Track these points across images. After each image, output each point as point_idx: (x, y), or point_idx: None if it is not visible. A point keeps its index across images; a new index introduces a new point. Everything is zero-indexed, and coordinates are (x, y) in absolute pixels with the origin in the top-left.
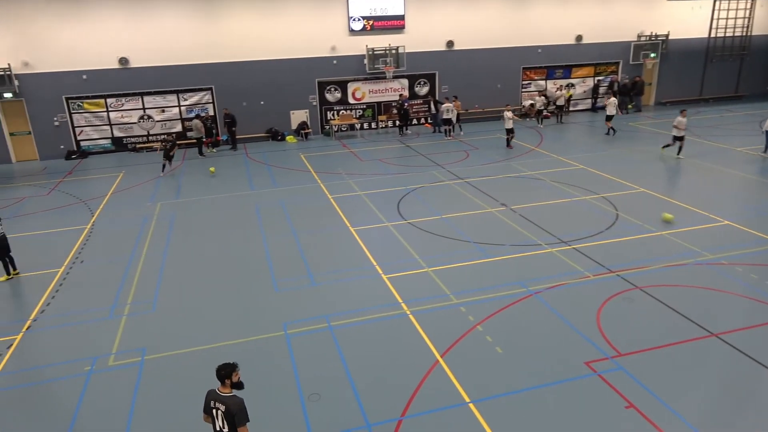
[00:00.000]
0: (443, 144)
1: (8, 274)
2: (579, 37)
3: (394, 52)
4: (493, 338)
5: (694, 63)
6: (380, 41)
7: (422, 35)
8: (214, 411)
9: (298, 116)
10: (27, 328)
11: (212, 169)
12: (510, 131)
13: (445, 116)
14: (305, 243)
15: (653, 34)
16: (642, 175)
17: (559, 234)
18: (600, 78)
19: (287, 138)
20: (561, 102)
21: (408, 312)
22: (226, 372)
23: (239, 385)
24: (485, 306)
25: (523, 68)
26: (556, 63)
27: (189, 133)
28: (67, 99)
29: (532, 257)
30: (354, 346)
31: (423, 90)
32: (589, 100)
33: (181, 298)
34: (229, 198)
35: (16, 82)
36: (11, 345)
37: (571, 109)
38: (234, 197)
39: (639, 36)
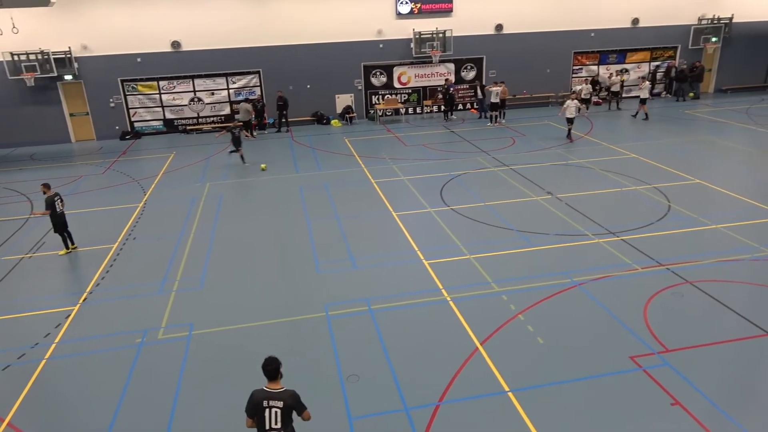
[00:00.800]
0: (489, 130)
1: (67, 248)
2: (635, 20)
3: (441, 35)
4: (535, 328)
5: (760, 48)
6: (427, 25)
7: (470, 18)
8: (267, 411)
9: (343, 100)
10: (83, 300)
11: (263, 166)
12: (570, 121)
13: (492, 99)
14: (347, 226)
15: (716, 17)
16: (698, 165)
17: (606, 224)
18: (657, 63)
19: (332, 122)
20: (616, 88)
21: (448, 298)
22: (276, 366)
23: (281, 376)
24: (527, 295)
25: (575, 53)
26: (609, 47)
27: (236, 116)
28: (123, 81)
29: (577, 247)
30: (394, 330)
31: (470, 75)
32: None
33: (227, 276)
34: (275, 180)
35: (75, 65)
36: (69, 315)
37: (624, 95)
38: (279, 179)
39: (700, 19)
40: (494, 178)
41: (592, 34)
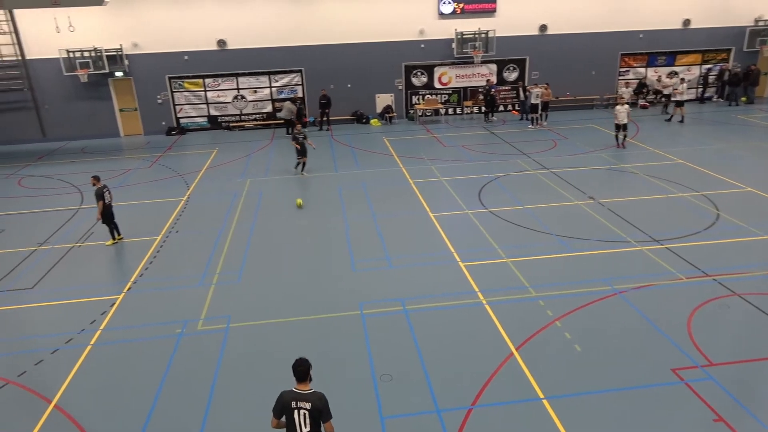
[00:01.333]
0: (530, 132)
1: (113, 238)
2: (686, 21)
3: (483, 36)
4: (573, 335)
5: None
6: (470, 25)
7: (514, 19)
8: (296, 412)
9: (383, 100)
10: (128, 289)
11: (299, 201)
12: (622, 127)
13: (533, 101)
14: (384, 226)
15: None
16: (750, 173)
17: (650, 232)
18: (708, 66)
19: (372, 121)
20: (669, 91)
21: (484, 301)
22: (306, 367)
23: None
24: (565, 301)
25: (622, 54)
26: (658, 49)
27: (278, 114)
28: (170, 78)
29: (619, 254)
30: (428, 331)
31: (512, 76)
32: (696, 90)
33: (264, 271)
34: (313, 178)
35: (126, 62)
36: (114, 303)
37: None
38: (318, 177)
39: (756, 21)
40: (534, 181)
41: (641, 36)
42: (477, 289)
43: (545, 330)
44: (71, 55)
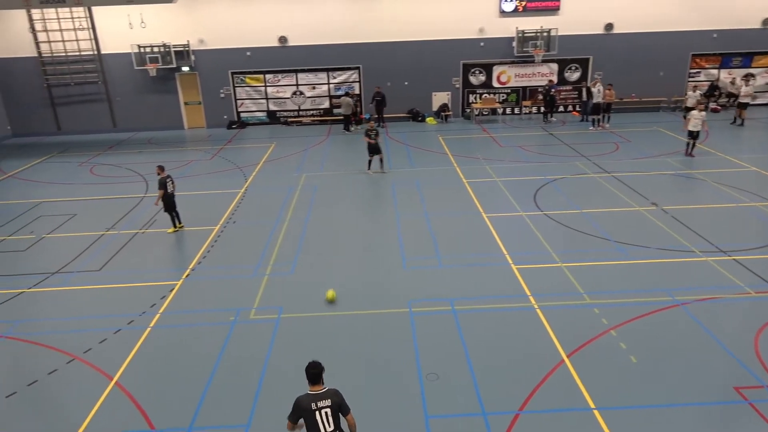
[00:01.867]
0: (591, 134)
1: (174, 226)
2: (766, 21)
3: (545, 34)
4: (628, 346)
5: None
6: (531, 23)
7: (578, 17)
8: (317, 413)
9: (439, 98)
10: (186, 276)
11: (331, 294)
12: (694, 135)
13: (595, 100)
14: (436, 224)
15: None
16: None
17: (717, 242)
18: None
19: (427, 119)
20: (746, 99)
21: (536, 306)
22: (319, 370)
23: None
24: (622, 310)
25: (693, 55)
26: (733, 50)
27: (336, 110)
28: (233, 74)
29: (681, 264)
30: (476, 332)
31: (574, 76)
32: None
33: (316, 264)
34: (367, 175)
35: (192, 57)
36: (173, 289)
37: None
38: (376, 174)
39: None
40: (593, 185)
41: (714, 35)
42: (529, 293)
43: (599, 338)
44: (142, 50)
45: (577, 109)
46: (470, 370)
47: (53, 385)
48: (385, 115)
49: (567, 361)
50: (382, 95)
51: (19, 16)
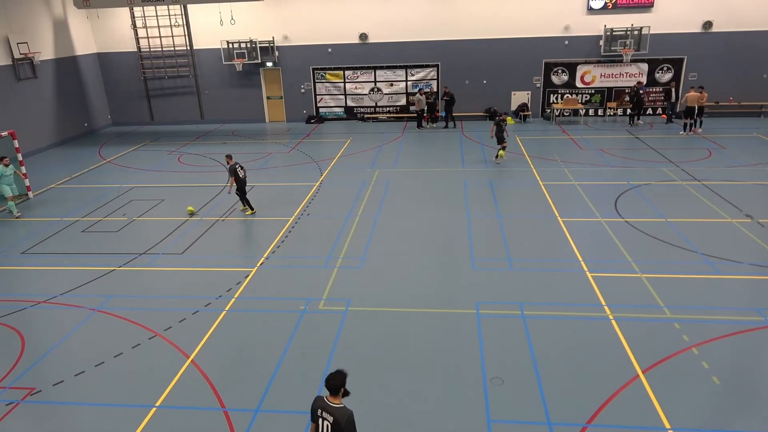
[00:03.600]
0: (681, 139)
1: (251, 209)
2: None
3: (636, 32)
4: (711, 366)
5: None
6: (621, 21)
7: (673, 14)
8: (320, 420)
9: (519, 97)
10: (260, 264)
11: (190, 208)
12: None
13: (689, 104)
14: (508, 226)
15: None
16: None
17: None
18: None
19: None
20: None
21: (611, 316)
22: (339, 382)
23: (346, 393)
24: (706, 328)
25: None
26: None
27: (411, 107)
28: (314, 69)
29: None
30: (546, 339)
31: (665, 77)
32: None
33: (385, 260)
34: (441, 172)
35: (276, 53)
36: (248, 275)
37: None
38: (445, 172)
39: None
40: (681, 193)
41: None
42: (604, 303)
43: (679, 355)
44: (230, 45)
45: (667, 111)
46: (537, 377)
47: (136, 359)
48: (460, 114)
49: (642, 376)
50: (451, 95)
51: (123, 14)
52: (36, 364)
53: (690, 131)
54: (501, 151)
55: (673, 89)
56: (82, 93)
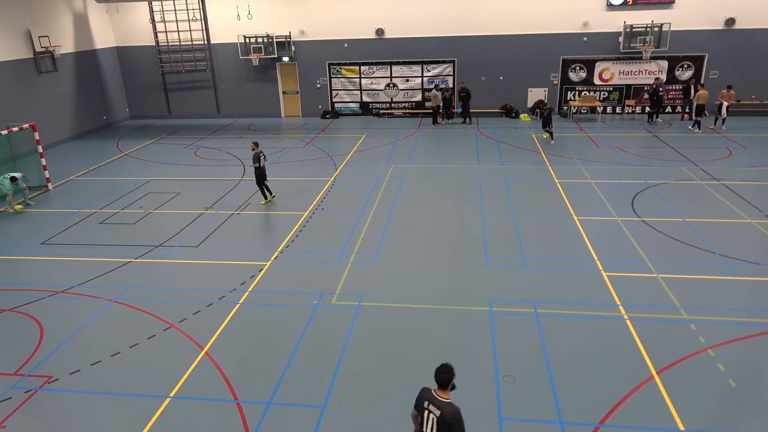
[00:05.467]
0: (701, 138)
1: (265, 198)
2: None
3: (656, 29)
4: (727, 368)
5: None
6: (641, 17)
7: (695, 10)
8: (426, 413)
9: (535, 94)
10: (275, 258)
11: (18, 207)
12: None
13: (699, 102)
14: (523, 224)
15: None
16: None
17: None
18: None
19: (521, 116)
20: None
21: (626, 316)
22: (448, 375)
23: (453, 387)
24: (723, 329)
25: None
26: None
27: (427, 103)
28: (330, 65)
29: None
30: (559, 338)
31: (685, 74)
32: None
33: (399, 256)
34: (455, 169)
35: (293, 48)
36: (262, 269)
37: None
38: (460, 169)
39: None
40: (699, 192)
41: None
42: (619, 302)
43: (694, 357)
44: (247, 40)
45: (686, 110)
46: (549, 375)
47: (151, 349)
48: (476, 110)
49: (656, 377)
50: (467, 91)
51: (141, 8)
52: (54, 352)
53: (699, 128)
54: (545, 135)
55: (692, 87)
56: (101, 86)
